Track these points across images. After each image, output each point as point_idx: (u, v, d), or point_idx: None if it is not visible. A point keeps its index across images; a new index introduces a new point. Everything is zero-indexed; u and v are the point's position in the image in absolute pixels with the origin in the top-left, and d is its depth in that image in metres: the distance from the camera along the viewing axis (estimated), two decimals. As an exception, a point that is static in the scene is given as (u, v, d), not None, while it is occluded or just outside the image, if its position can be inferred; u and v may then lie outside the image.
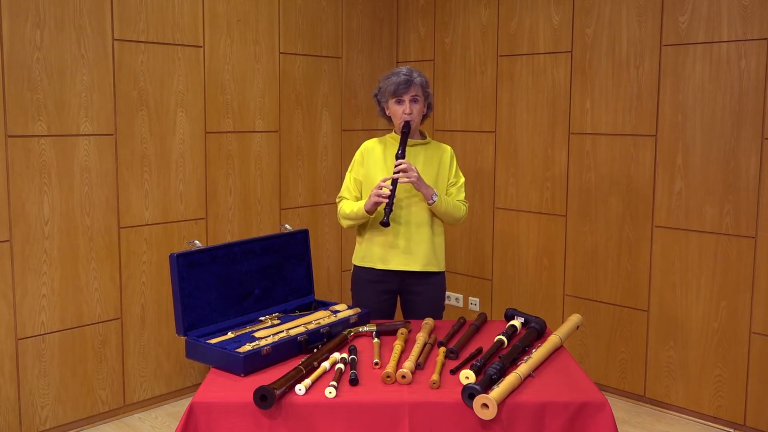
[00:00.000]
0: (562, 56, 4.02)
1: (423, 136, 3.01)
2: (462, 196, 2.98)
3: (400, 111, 2.86)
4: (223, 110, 3.95)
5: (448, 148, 3.02)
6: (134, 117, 3.61)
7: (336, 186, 4.56)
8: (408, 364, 2.18)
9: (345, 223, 2.96)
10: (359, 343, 2.47)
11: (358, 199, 2.97)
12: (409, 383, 2.14)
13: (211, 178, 3.94)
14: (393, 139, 2.96)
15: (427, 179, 2.88)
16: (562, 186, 4.09)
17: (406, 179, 2.73)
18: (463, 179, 3.01)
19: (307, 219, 4.42)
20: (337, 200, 3.04)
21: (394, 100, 2.86)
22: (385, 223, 2.72)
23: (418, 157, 2.93)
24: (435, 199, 2.81)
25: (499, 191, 4.39)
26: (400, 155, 2.77)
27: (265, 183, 4.19)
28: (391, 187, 2.73)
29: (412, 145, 2.92)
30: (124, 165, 3.59)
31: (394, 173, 2.74)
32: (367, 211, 2.82)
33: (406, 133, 2.83)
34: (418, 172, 2.77)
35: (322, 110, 4.46)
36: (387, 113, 2.94)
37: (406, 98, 2.84)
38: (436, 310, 3.01)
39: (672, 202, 3.67)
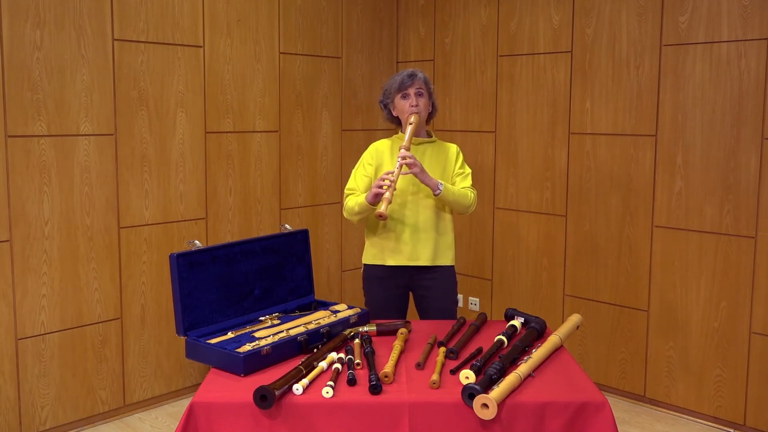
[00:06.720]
0: (562, 56, 4.02)
1: (429, 135, 3.03)
2: (468, 183, 2.97)
3: (407, 105, 2.89)
4: (223, 110, 3.95)
5: (454, 146, 3.04)
6: (134, 117, 3.61)
7: (336, 186, 4.56)
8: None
9: (349, 216, 2.95)
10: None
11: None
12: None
13: (211, 178, 3.94)
14: (400, 138, 2.98)
15: (433, 176, 2.88)
16: (562, 186, 4.09)
17: (408, 169, 2.73)
18: (469, 170, 3.01)
19: (307, 219, 4.41)
20: (344, 196, 3.03)
21: (399, 95, 2.90)
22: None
23: (425, 154, 2.95)
24: (441, 188, 2.80)
25: (499, 191, 4.39)
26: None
27: (265, 183, 4.19)
28: (392, 179, 2.68)
29: (418, 144, 2.94)
30: (124, 165, 3.59)
31: (398, 163, 2.72)
32: (369, 203, 2.80)
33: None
34: (422, 166, 2.77)
35: (322, 110, 4.46)
36: (394, 113, 2.96)
37: (411, 91, 2.89)
38: (449, 304, 3.02)
39: (672, 201, 3.67)
